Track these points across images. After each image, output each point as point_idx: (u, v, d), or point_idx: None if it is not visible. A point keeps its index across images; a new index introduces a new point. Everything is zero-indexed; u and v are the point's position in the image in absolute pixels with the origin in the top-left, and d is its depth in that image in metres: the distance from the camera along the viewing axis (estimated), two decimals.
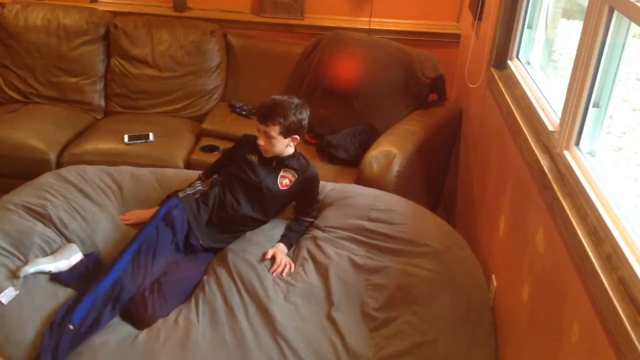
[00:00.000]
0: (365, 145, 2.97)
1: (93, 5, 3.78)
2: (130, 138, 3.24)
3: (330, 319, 2.10)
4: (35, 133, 3.21)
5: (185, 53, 3.56)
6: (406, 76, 3.20)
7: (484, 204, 2.66)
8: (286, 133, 2.36)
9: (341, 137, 3.15)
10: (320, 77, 3.40)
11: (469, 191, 2.99)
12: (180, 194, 2.38)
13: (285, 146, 2.40)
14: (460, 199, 3.24)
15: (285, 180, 2.44)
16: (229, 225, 2.39)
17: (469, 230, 2.77)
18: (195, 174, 2.66)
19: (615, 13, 1.65)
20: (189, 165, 3.13)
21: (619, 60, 1.68)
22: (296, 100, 2.41)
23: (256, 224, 2.46)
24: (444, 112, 3.26)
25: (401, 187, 2.71)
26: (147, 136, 3.26)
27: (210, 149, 3.19)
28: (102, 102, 3.64)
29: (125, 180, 2.61)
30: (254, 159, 2.45)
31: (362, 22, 3.72)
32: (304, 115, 2.41)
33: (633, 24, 1.59)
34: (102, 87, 3.63)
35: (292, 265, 2.29)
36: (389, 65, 3.26)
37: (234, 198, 2.38)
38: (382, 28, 3.70)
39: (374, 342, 2.04)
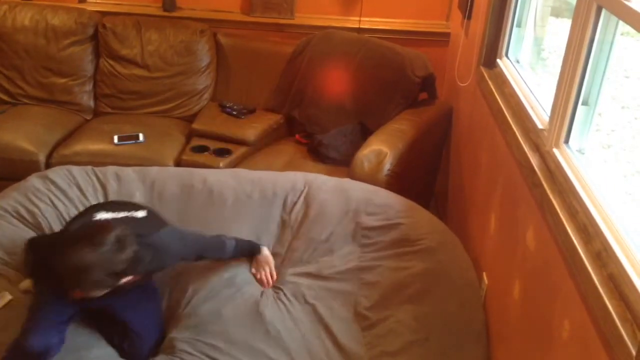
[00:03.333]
0: (356, 144, 2.97)
1: (81, 6, 3.75)
2: (120, 139, 3.22)
3: (322, 318, 2.10)
4: (24, 134, 3.19)
5: (174, 53, 3.55)
6: (396, 75, 3.20)
7: (474, 202, 2.66)
8: (110, 284, 1.77)
9: (332, 137, 3.15)
10: (310, 76, 3.40)
11: (460, 190, 3.00)
12: None
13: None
14: (451, 197, 3.25)
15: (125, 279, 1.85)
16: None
17: (459, 228, 2.78)
18: (181, 170, 2.65)
19: (604, 11, 1.66)
20: (179, 165, 3.12)
21: (608, 58, 1.69)
22: (110, 240, 1.71)
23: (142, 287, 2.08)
24: (435, 110, 3.26)
25: (392, 186, 2.71)
26: (137, 137, 3.25)
27: (201, 149, 3.18)
28: (91, 103, 3.62)
29: (109, 180, 2.59)
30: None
31: (352, 22, 3.72)
32: (127, 254, 1.73)
33: (621, 22, 1.60)
34: (91, 88, 3.60)
35: (274, 274, 2.28)
36: (379, 64, 3.26)
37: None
38: (372, 27, 3.70)
39: (366, 340, 2.05)
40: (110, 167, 2.67)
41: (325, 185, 2.54)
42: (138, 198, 2.48)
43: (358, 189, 2.53)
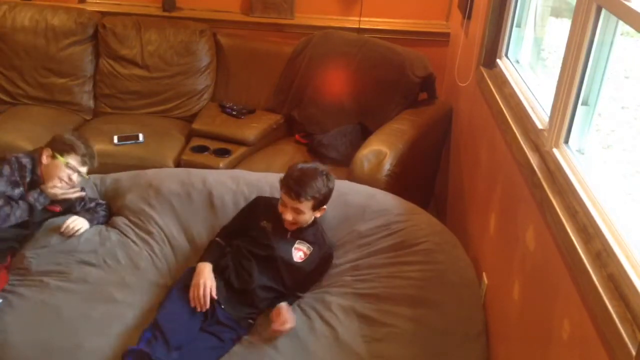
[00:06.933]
0: (356, 144, 2.97)
1: (81, 6, 3.75)
2: (119, 139, 3.22)
3: (324, 320, 2.11)
4: (23, 134, 3.18)
5: (174, 53, 3.54)
6: (396, 75, 3.20)
7: (474, 202, 2.66)
8: (317, 206, 2.23)
9: (332, 137, 3.15)
10: (310, 76, 3.40)
11: (460, 189, 3.00)
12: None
13: (312, 217, 2.27)
14: (451, 197, 3.25)
15: (299, 252, 2.26)
16: (246, 297, 2.20)
17: (459, 228, 2.78)
18: (177, 171, 2.66)
19: (603, 11, 1.66)
20: (179, 165, 3.12)
21: (607, 58, 1.69)
22: (322, 168, 2.28)
23: (277, 296, 2.23)
24: (434, 110, 3.26)
25: (392, 186, 2.71)
26: (137, 137, 3.25)
27: (201, 149, 3.18)
28: (91, 103, 3.61)
29: (106, 183, 2.61)
30: (267, 226, 2.28)
31: (352, 22, 3.72)
32: (333, 184, 2.27)
33: (621, 22, 1.60)
34: (90, 88, 3.60)
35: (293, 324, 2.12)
36: (379, 64, 3.26)
37: (246, 271, 2.21)
38: (371, 27, 3.70)
39: (366, 341, 2.05)
40: (110, 174, 2.68)
41: None
42: (130, 198, 2.51)
43: (356, 194, 2.52)
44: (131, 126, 3.35)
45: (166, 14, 3.74)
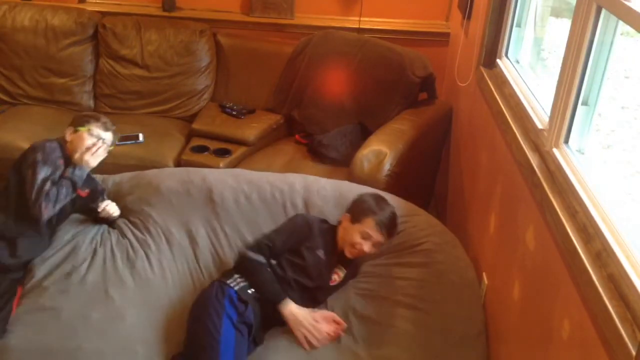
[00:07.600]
0: (356, 144, 2.97)
1: (81, 6, 3.75)
2: (119, 139, 3.21)
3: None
4: (23, 134, 3.18)
5: (174, 53, 3.54)
6: (396, 75, 3.20)
7: (474, 202, 2.66)
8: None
9: (332, 137, 3.15)
10: (310, 76, 3.40)
11: (460, 189, 3.00)
12: (234, 285, 2.10)
13: None
14: (451, 197, 3.25)
15: (335, 275, 2.25)
16: (279, 324, 2.13)
17: (459, 228, 2.78)
18: (177, 170, 2.66)
19: (603, 11, 1.66)
20: (179, 165, 3.12)
21: (607, 58, 1.69)
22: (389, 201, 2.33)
23: None
24: (434, 110, 3.26)
25: (392, 186, 2.71)
26: (137, 137, 3.25)
27: (201, 149, 3.18)
28: (91, 103, 3.62)
29: (108, 186, 2.61)
30: (321, 255, 2.20)
31: (351, 22, 3.72)
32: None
33: (621, 22, 1.60)
34: (90, 88, 3.60)
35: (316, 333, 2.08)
36: (379, 64, 3.26)
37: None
38: (371, 27, 3.70)
39: (364, 340, 2.05)
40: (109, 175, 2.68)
41: (324, 190, 2.52)
42: (130, 199, 2.51)
43: (356, 194, 2.51)
44: (131, 126, 3.35)
45: (166, 14, 3.74)
